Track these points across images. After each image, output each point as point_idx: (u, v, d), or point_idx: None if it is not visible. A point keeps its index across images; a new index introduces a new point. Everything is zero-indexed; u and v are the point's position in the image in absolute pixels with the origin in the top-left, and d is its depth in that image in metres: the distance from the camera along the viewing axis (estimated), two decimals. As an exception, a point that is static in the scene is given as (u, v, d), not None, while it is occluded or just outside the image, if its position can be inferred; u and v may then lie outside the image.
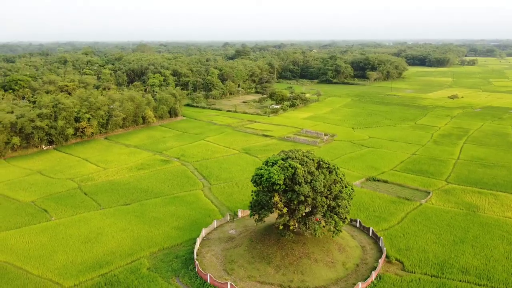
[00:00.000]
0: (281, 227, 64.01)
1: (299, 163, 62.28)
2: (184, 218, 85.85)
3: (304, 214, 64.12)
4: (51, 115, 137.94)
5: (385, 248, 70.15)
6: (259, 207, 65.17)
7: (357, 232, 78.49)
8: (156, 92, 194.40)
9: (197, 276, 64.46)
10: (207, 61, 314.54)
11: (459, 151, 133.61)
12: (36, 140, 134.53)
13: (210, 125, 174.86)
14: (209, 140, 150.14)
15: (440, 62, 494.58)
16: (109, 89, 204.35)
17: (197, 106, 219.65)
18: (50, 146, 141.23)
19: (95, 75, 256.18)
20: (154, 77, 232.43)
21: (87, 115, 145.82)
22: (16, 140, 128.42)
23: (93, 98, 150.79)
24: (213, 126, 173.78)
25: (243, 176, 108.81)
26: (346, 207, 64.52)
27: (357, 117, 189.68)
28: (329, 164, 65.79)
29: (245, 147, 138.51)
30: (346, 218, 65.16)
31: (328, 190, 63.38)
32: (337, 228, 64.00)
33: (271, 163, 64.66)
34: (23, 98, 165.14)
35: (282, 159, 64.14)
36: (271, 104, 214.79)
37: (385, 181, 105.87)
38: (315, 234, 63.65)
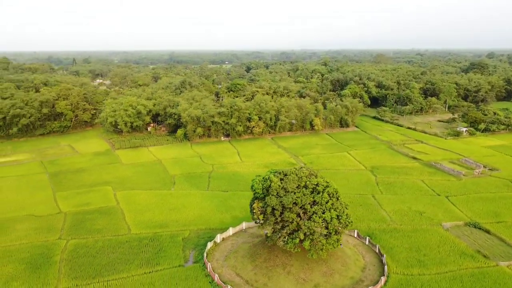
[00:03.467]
0: (262, 232, 70.70)
1: (280, 178, 67.42)
2: (249, 212, 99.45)
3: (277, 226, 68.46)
4: (228, 114, 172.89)
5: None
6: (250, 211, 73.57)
7: (376, 266, 73.78)
8: (327, 102, 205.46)
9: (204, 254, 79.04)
10: (421, 74, 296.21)
11: None
12: (213, 132, 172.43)
13: (370, 140, 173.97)
14: (351, 153, 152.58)
15: None
16: (309, 96, 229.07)
17: (381, 120, 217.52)
18: (227, 138, 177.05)
19: (306, 82, 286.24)
20: (350, 88, 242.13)
21: (256, 117, 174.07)
22: (199, 130, 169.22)
23: (264, 103, 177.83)
24: (373, 140, 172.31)
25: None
26: (317, 231, 64.83)
27: None
28: (317, 186, 67.29)
29: (375, 165, 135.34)
30: (320, 242, 65.39)
31: (301, 208, 65.70)
32: (307, 248, 65.49)
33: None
34: (222, 98, 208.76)
35: (270, 172, 70.36)
36: (462, 127, 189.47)
37: (487, 231, 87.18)
38: (286, 247, 67.18)
